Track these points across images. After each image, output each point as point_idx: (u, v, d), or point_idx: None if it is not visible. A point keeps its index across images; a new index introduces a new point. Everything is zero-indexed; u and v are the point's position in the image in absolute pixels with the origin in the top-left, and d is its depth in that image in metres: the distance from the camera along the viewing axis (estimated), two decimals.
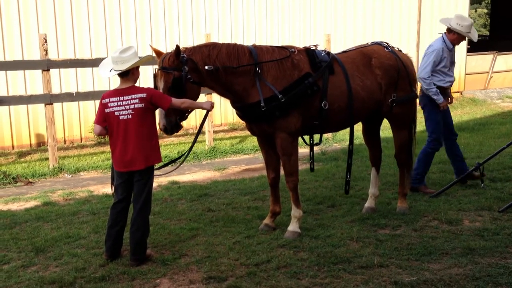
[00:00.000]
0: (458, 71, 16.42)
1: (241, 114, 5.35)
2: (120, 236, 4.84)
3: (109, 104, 4.65)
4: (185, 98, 4.81)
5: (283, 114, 5.09)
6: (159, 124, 4.94)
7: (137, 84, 4.84)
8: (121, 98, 4.64)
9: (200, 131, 5.38)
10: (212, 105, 5.05)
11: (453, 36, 6.63)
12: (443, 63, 6.64)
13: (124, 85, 4.72)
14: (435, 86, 6.58)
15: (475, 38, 6.67)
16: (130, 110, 4.61)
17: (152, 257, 4.82)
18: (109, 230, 4.81)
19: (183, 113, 4.96)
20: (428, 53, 6.69)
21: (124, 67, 4.61)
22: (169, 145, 10.55)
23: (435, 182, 7.15)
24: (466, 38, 6.72)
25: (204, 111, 5.17)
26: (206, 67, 4.90)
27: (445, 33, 6.72)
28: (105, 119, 4.69)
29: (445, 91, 6.72)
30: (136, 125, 4.61)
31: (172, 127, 4.91)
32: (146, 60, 4.96)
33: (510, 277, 4.27)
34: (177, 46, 4.80)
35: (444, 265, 4.56)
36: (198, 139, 5.58)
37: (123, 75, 4.70)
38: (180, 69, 4.80)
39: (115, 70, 4.66)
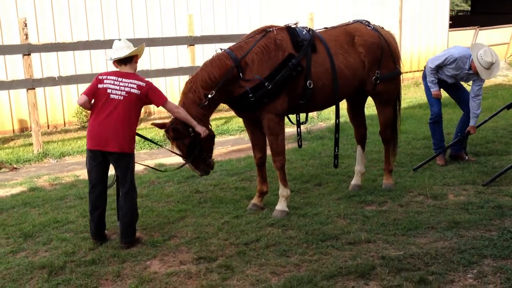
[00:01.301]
0: (441, 46, 16.52)
1: (231, 105, 5.36)
2: (102, 219, 4.84)
3: (105, 81, 4.65)
4: (200, 150, 5.03)
5: (271, 99, 5.11)
6: (197, 172, 5.22)
7: None
8: (120, 79, 4.64)
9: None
10: (205, 133, 4.99)
11: (473, 64, 6.58)
12: (454, 71, 6.71)
13: (124, 71, 4.74)
14: (435, 77, 6.80)
15: (484, 76, 6.52)
16: (124, 92, 4.60)
17: (142, 240, 4.84)
18: (91, 215, 4.82)
19: (206, 160, 5.16)
20: (450, 53, 6.75)
21: (121, 53, 4.65)
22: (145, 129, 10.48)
23: (420, 158, 7.22)
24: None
25: None
26: (203, 108, 5.00)
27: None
28: (94, 94, 4.66)
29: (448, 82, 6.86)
30: (124, 108, 4.59)
31: (205, 171, 5.22)
32: (140, 51, 4.88)
33: (494, 249, 4.36)
34: (174, 127, 4.92)
35: (430, 239, 4.65)
36: None
37: (126, 61, 4.72)
38: (189, 134, 4.94)
39: (117, 56, 4.69)
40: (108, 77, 4.67)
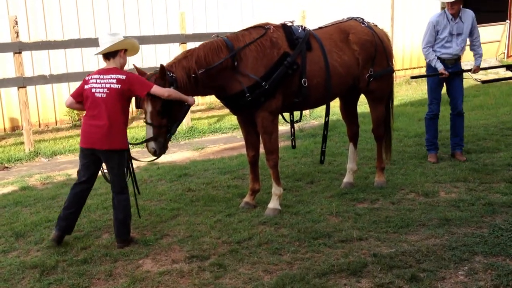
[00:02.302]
0: None
1: (226, 103, 5.35)
2: (71, 220, 4.76)
3: (90, 81, 4.65)
4: (172, 118, 4.80)
5: (268, 98, 5.10)
6: (146, 147, 4.88)
7: None
8: (101, 77, 4.63)
9: (178, 125, 5.09)
10: (194, 100, 5.00)
11: (447, 6, 6.74)
12: (442, 34, 6.77)
13: (108, 67, 4.72)
14: (435, 56, 6.79)
15: None
16: (106, 89, 4.57)
17: (135, 239, 4.83)
18: (64, 211, 4.75)
19: (171, 132, 4.89)
20: (428, 22, 6.90)
21: (102, 48, 4.63)
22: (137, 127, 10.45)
23: (412, 155, 7.25)
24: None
25: None
26: (188, 78, 4.86)
27: None
28: (81, 94, 4.69)
29: (447, 62, 6.84)
30: (109, 105, 4.56)
31: (161, 149, 4.85)
32: (127, 45, 4.77)
33: (485, 246, 4.39)
34: (162, 66, 4.74)
35: (421, 236, 4.67)
36: None
37: (109, 56, 4.69)
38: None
39: (97, 52, 4.67)
40: (92, 76, 4.67)
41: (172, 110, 4.80)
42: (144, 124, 4.98)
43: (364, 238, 4.68)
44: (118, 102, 4.60)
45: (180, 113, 4.93)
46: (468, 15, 6.88)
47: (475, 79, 7.38)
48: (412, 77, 7.37)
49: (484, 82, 7.40)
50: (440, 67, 6.75)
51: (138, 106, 4.83)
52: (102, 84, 4.59)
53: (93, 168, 4.76)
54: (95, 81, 4.62)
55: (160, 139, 4.82)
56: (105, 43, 4.65)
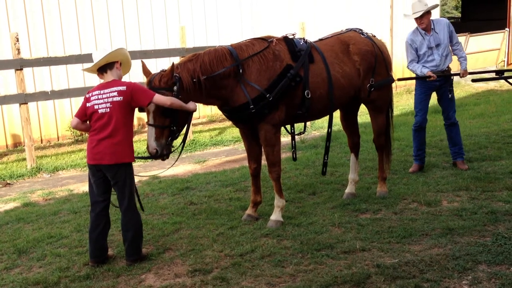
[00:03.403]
0: None
1: (229, 116, 5.35)
2: (101, 240, 4.69)
3: (91, 98, 4.60)
4: (174, 119, 4.75)
5: (271, 110, 5.11)
6: (147, 148, 4.78)
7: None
8: (102, 92, 4.57)
9: (186, 137, 5.08)
10: (196, 107, 4.95)
11: (417, 22, 6.78)
12: (421, 50, 6.80)
13: (106, 80, 4.67)
14: (420, 64, 6.81)
15: (416, 11, 6.67)
16: (109, 104, 4.52)
17: (148, 256, 4.74)
18: (89, 235, 4.71)
19: (174, 133, 4.83)
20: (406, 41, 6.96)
21: (89, 65, 4.60)
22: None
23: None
24: (421, 15, 6.70)
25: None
26: (192, 81, 4.85)
27: None
28: (85, 114, 4.63)
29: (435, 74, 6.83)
30: (113, 119, 4.50)
31: (163, 150, 4.77)
32: (119, 55, 4.70)
33: (489, 255, 4.37)
34: (173, 65, 4.74)
35: (424, 246, 4.65)
36: None
37: (104, 69, 4.64)
38: (172, 90, 4.73)
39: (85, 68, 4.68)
40: (93, 93, 4.60)
41: (175, 111, 4.74)
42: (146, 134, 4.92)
43: (367, 249, 4.67)
44: (122, 114, 4.53)
45: (183, 116, 4.87)
46: (441, 23, 6.87)
47: (473, 80, 7.32)
48: (399, 79, 7.31)
49: (474, 80, 7.35)
50: (426, 70, 6.70)
51: (141, 109, 4.76)
52: (104, 99, 4.54)
53: (103, 185, 4.66)
54: (96, 97, 4.57)
55: (162, 140, 4.76)
56: (96, 59, 4.58)
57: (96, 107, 4.55)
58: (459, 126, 7.17)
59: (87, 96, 4.63)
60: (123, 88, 4.54)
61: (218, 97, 5.14)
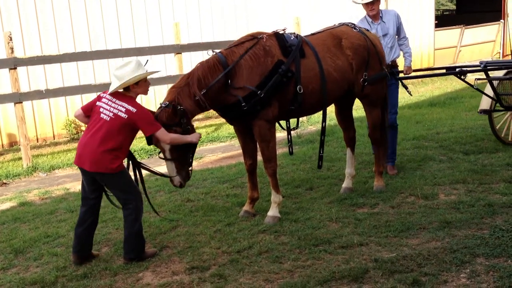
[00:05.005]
0: (427, 46, 16.60)
1: (222, 114, 5.33)
2: (86, 237, 4.68)
3: (102, 99, 4.59)
4: (188, 147, 4.88)
5: (264, 106, 5.10)
6: (171, 182, 4.94)
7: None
8: (113, 100, 4.53)
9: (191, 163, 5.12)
10: (199, 137, 4.93)
11: (366, 8, 6.56)
12: (375, 31, 6.57)
13: (126, 93, 4.60)
14: None
15: None
16: (111, 114, 4.48)
17: (153, 255, 4.72)
18: (75, 230, 4.70)
19: (190, 163, 4.99)
20: None
21: (116, 85, 4.50)
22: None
23: (410, 158, 7.23)
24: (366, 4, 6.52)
25: None
26: (195, 103, 4.90)
27: None
28: (91, 109, 4.62)
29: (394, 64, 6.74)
30: (107, 130, 4.45)
31: (185, 180, 4.98)
32: (140, 78, 4.60)
33: (486, 248, 4.37)
34: (174, 99, 4.78)
35: (422, 240, 4.65)
36: None
37: (124, 89, 4.59)
38: (180, 124, 4.78)
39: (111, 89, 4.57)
40: (106, 95, 4.59)
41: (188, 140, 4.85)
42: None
43: (365, 243, 4.66)
44: (118, 131, 4.47)
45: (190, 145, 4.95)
46: (390, 14, 6.75)
47: (408, 91, 6.72)
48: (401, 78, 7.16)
49: (401, 82, 6.78)
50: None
51: (150, 143, 4.79)
52: (111, 108, 4.50)
53: (92, 185, 4.64)
54: (106, 102, 4.54)
55: (183, 172, 4.92)
56: (123, 77, 4.49)
57: (101, 110, 4.54)
58: (397, 129, 6.94)
59: (102, 95, 4.63)
60: (133, 109, 4.49)
61: (219, 101, 5.13)
